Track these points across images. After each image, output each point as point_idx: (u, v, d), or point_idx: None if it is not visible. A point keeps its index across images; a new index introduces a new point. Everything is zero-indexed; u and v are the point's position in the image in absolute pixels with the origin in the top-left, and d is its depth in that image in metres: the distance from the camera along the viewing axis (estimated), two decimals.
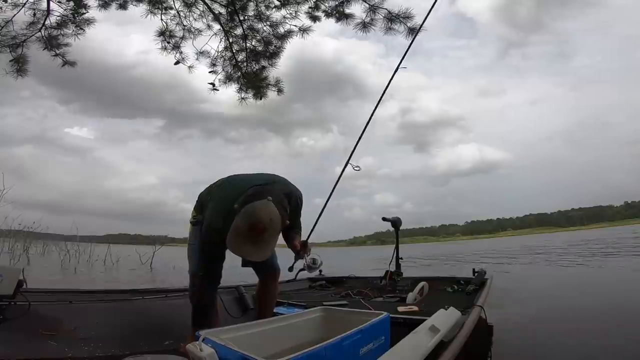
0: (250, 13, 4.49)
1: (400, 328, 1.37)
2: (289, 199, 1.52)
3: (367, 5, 3.90)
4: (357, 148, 2.37)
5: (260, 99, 4.68)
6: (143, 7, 4.34)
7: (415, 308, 2.06)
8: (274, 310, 1.97)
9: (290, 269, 2.12)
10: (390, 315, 1.41)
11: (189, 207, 1.73)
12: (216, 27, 4.58)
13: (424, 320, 1.36)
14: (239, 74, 4.76)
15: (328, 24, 4.32)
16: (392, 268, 2.93)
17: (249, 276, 1.80)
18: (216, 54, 4.67)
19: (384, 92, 2.51)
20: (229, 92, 4.81)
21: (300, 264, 2.01)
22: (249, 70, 4.73)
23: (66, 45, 4.14)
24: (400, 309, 2.04)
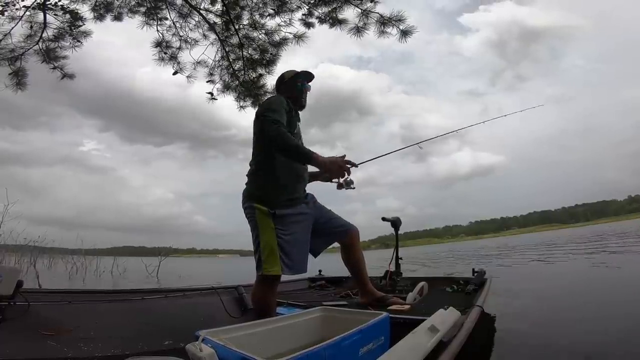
0: (245, 22, 4.55)
1: (400, 328, 1.36)
2: None
3: (360, 10, 3.95)
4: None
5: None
6: (138, 19, 4.41)
7: (406, 306, 2.05)
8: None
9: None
10: (390, 315, 1.41)
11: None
12: (212, 36, 4.65)
13: (424, 320, 1.35)
14: (237, 82, 4.82)
15: (323, 30, 4.37)
16: (392, 268, 2.93)
17: (249, 276, 1.79)
18: (213, 63, 4.74)
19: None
20: (228, 101, 4.86)
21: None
22: (247, 78, 4.79)
23: (64, 57, 4.21)
24: (391, 307, 2.04)
